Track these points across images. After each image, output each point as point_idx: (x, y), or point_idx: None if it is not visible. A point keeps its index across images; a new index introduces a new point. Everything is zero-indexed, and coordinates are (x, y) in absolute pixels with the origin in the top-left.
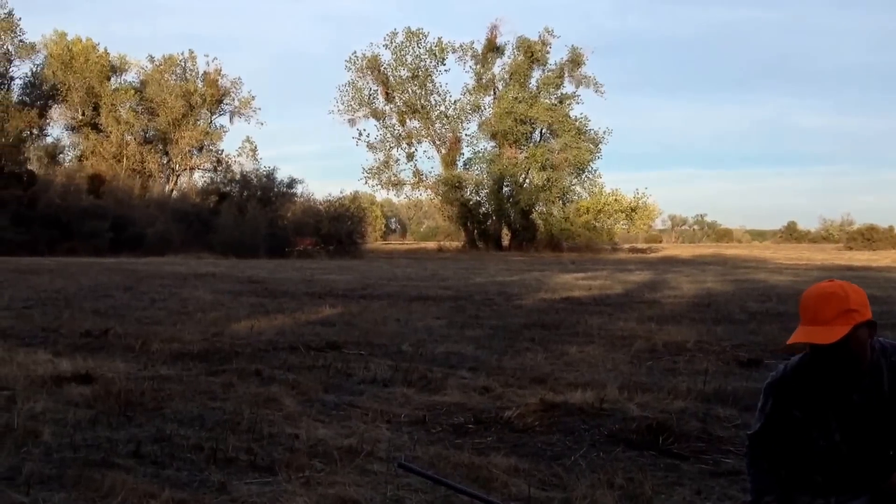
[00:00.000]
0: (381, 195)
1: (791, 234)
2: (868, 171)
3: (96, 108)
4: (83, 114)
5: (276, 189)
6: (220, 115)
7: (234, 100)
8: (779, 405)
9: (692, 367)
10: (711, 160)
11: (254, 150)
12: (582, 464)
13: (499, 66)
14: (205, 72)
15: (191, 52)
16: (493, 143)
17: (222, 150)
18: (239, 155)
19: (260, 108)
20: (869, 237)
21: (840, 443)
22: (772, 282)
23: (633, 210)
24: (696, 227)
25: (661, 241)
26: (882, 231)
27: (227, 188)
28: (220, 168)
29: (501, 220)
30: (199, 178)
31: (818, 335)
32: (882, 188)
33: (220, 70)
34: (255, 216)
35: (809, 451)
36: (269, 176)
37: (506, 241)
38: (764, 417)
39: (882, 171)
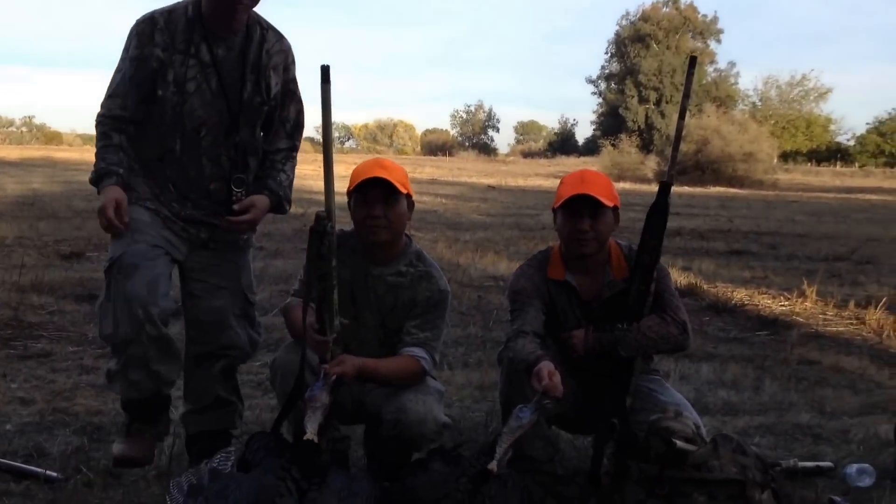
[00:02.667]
0: None
1: None
2: None
3: None
4: None
5: None
6: None
7: None
8: (143, 45)
9: (10, 262)
10: (43, 59)
11: None
12: None
13: None
14: None
15: None
16: None
17: None
18: None
19: None
20: None
21: (206, 90)
22: None
23: None
24: (24, 129)
25: None
26: None
27: None
28: None
29: None
30: None
31: None
32: None
33: None
34: None
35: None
36: None
37: None
38: (129, 62)
39: None
